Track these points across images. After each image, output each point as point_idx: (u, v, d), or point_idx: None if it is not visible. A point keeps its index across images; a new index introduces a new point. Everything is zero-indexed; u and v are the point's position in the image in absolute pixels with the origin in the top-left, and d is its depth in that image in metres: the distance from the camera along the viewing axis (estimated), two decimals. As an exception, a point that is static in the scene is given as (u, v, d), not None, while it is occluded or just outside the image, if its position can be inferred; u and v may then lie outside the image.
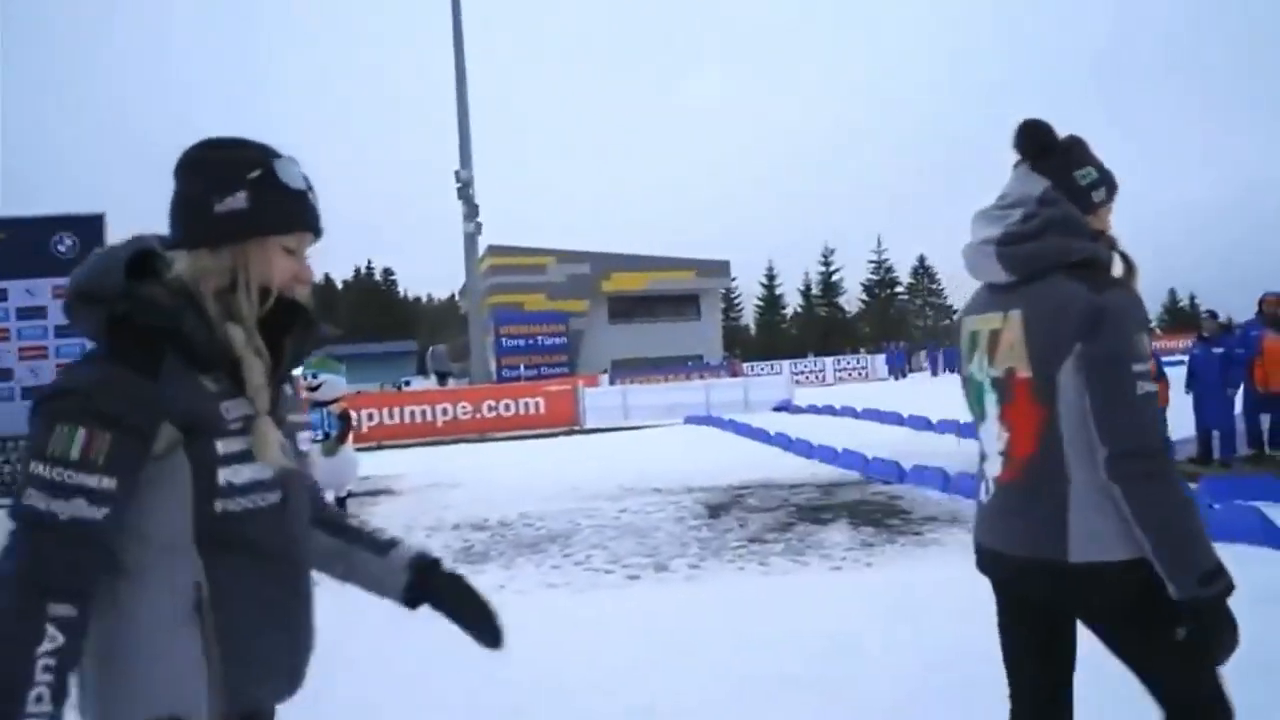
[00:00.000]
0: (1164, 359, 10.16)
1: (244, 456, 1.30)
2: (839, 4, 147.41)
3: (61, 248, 10.84)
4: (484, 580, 6.08)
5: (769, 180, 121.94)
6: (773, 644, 4.24)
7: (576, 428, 19.65)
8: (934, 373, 35.39)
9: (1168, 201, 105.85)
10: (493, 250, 39.53)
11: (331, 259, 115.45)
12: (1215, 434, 9.01)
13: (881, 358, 37.14)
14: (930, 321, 77.13)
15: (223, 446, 1.28)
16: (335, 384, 8.92)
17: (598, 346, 39.43)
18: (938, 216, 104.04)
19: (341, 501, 9.17)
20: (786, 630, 4.45)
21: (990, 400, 1.91)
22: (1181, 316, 77.40)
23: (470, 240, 30.97)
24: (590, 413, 21.74)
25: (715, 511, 8.40)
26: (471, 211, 30.70)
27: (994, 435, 1.90)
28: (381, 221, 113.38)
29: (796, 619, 4.67)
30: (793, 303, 76.19)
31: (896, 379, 27.99)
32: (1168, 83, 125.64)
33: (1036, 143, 1.91)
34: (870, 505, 8.37)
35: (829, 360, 35.66)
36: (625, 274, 40.51)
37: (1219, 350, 8.89)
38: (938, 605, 4.58)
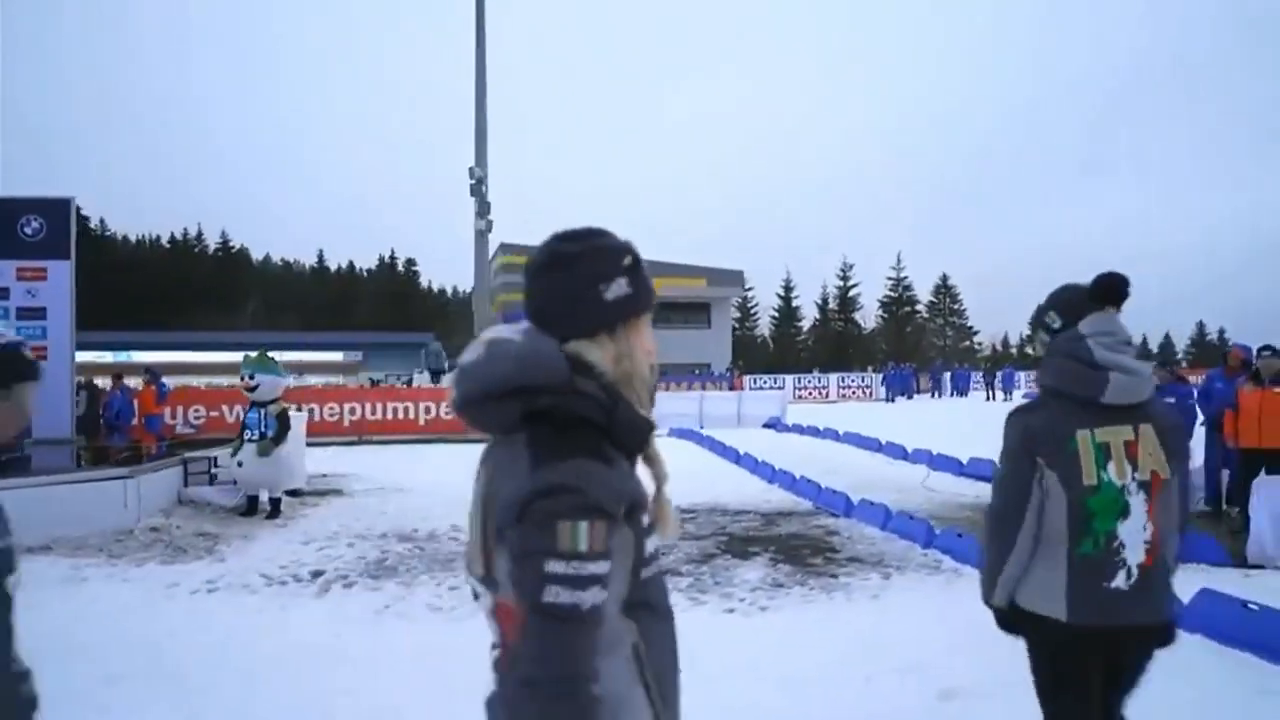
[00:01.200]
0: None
1: (652, 529, 1.44)
2: (878, 18, 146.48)
3: (28, 230, 10.94)
4: (374, 598, 6.04)
5: (792, 191, 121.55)
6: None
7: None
8: (933, 394, 34.96)
9: (1195, 231, 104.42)
10: (505, 248, 39.67)
11: (356, 246, 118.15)
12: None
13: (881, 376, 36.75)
14: (949, 342, 76.36)
15: (645, 519, 1.40)
16: (273, 383, 8.89)
17: (605, 350, 39.47)
18: (959, 236, 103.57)
19: (275, 503, 9.14)
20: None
21: (1137, 500, 2.30)
22: (1209, 350, 76.18)
23: (481, 238, 30.96)
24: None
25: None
26: (483, 209, 30.70)
27: (1139, 528, 2.30)
28: (407, 212, 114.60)
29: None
30: (809, 315, 75.84)
31: (891, 400, 27.50)
32: (1201, 107, 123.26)
33: (1125, 294, 2.42)
34: (802, 540, 8.19)
35: (833, 377, 35.31)
36: (636, 279, 40.64)
37: (1169, 400, 8.59)
38: (794, 660, 4.44)
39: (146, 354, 33.18)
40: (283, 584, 6.51)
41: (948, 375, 38.25)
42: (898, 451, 14.75)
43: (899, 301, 73.65)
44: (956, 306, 76.64)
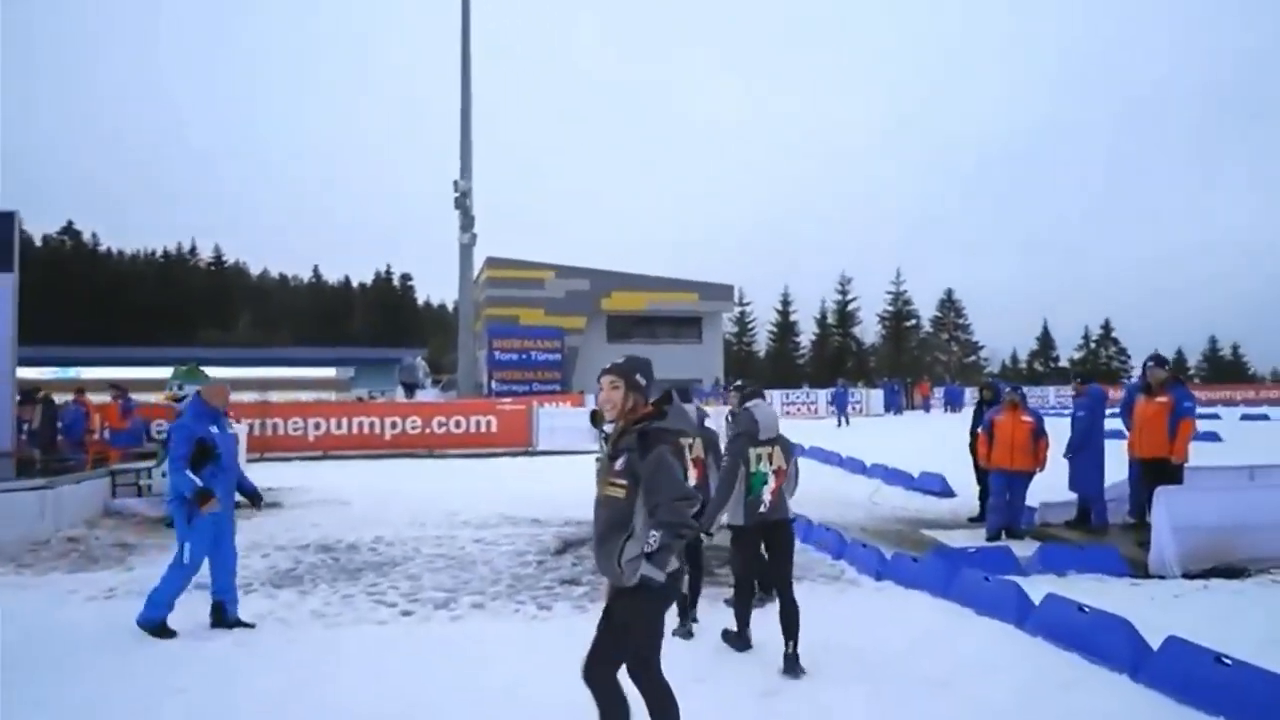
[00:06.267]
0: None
1: None
2: (881, 21, 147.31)
3: (-28, 244, 11.17)
4: (263, 605, 6.21)
5: (791, 205, 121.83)
6: (428, 697, 4.29)
7: (529, 449, 19.67)
8: (894, 410, 35.12)
9: (1207, 242, 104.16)
10: (491, 262, 39.97)
11: (352, 261, 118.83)
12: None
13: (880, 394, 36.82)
14: (956, 357, 76.18)
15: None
16: (198, 396, 9.07)
17: (594, 365, 39.36)
18: (962, 250, 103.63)
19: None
20: (457, 682, 4.49)
21: (771, 476, 5.13)
22: (1222, 366, 75.84)
23: (465, 251, 31.31)
24: (554, 434, 21.73)
25: (565, 548, 8.43)
26: (468, 222, 31.10)
27: (769, 487, 5.10)
28: (404, 227, 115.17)
29: (476, 670, 4.73)
30: (807, 330, 75.87)
31: (843, 422, 27.40)
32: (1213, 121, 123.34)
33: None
34: (716, 552, 8.32)
35: (822, 393, 35.37)
36: (626, 293, 40.63)
37: (1081, 413, 8.77)
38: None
39: (132, 370, 33.46)
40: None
41: (943, 390, 38.47)
42: (856, 466, 14.88)
43: (899, 316, 73.64)
44: (961, 321, 76.64)
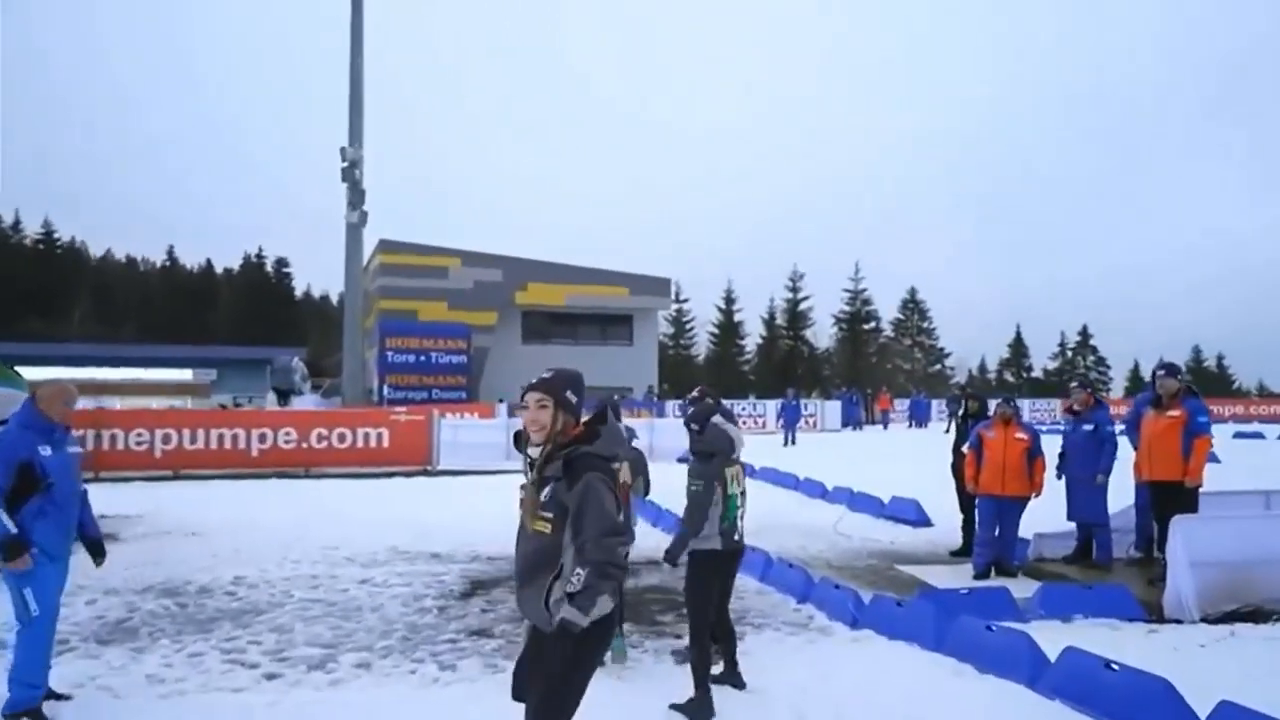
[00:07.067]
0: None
1: None
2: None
3: None
4: (86, 668, 5.66)
5: (733, 194, 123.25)
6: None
7: (429, 468, 19.14)
8: (856, 425, 35.70)
9: (1190, 246, 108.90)
10: (385, 246, 38.97)
11: (216, 243, 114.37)
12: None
13: (838, 405, 37.15)
14: (920, 365, 77.81)
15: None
16: (7, 398, 8.38)
17: (505, 369, 38.81)
18: (927, 246, 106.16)
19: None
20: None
21: (744, 499, 5.49)
22: (1206, 378, 79.07)
23: (353, 232, 30.33)
24: (458, 450, 21.24)
25: (473, 590, 8.14)
26: (357, 198, 30.09)
27: (742, 510, 5.39)
28: (278, 203, 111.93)
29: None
30: (754, 331, 76.47)
31: (790, 441, 27.37)
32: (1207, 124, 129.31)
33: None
34: (659, 593, 8.06)
35: (771, 404, 35.45)
36: (544, 285, 40.06)
37: (1088, 427, 8.73)
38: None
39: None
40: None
41: (910, 403, 39.17)
42: (817, 489, 14.76)
43: (856, 318, 74.80)
44: (926, 325, 78.31)
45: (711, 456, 5.19)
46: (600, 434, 3.27)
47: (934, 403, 41.64)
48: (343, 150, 29.64)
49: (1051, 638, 5.67)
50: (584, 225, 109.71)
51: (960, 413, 10.59)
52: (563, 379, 3.32)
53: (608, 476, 3.20)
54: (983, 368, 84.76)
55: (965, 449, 9.36)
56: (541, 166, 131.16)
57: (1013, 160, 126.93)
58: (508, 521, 13.07)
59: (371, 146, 30.72)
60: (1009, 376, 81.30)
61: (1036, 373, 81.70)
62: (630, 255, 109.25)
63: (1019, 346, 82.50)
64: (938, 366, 78.66)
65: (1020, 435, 8.75)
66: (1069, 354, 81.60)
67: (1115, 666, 4.57)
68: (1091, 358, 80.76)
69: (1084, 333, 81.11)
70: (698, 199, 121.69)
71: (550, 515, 3.14)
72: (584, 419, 3.32)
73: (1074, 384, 9.26)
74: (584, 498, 3.10)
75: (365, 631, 6.67)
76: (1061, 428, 9.35)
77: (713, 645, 5.27)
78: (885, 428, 37.26)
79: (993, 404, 9.51)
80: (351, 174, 29.83)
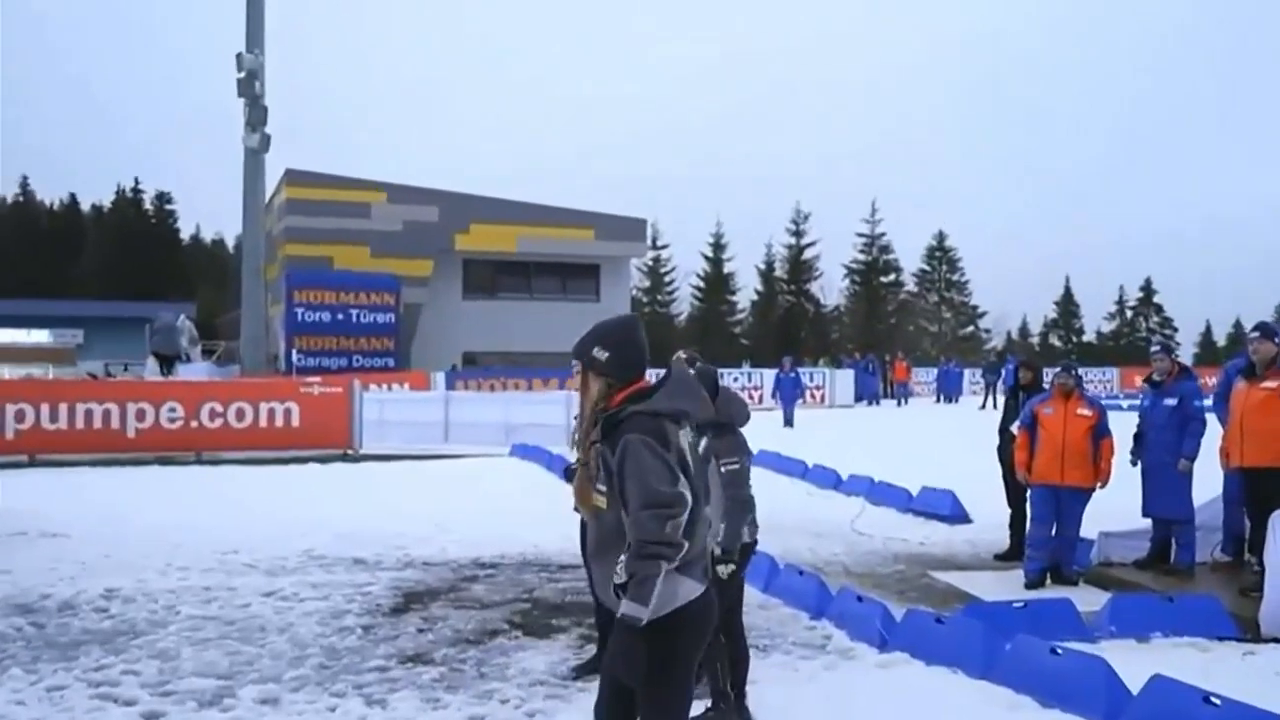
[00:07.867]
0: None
1: None
2: None
3: None
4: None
5: (727, 115, 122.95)
6: None
7: (349, 453, 19.13)
8: (872, 399, 36.00)
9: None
10: (293, 177, 38.48)
11: (82, 175, 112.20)
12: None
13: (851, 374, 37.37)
14: (949, 327, 78.40)
15: None
16: None
17: (444, 331, 38.75)
18: (957, 181, 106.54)
19: None
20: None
21: None
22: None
23: (253, 159, 30.01)
24: (385, 429, 21.31)
25: (406, 605, 8.14)
26: (258, 116, 29.66)
27: None
28: (160, 125, 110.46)
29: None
30: (748, 285, 76.65)
31: (789, 423, 27.29)
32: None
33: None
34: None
35: (768, 374, 35.46)
36: (491, 227, 39.69)
37: (1170, 402, 8.69)
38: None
39: None
40: None
41: (937, 372, 39.51)
42: (827, 478, 14.80)
43: (873, 268, 75.19)
44: (956, 278, 78.87)
45: (731, 428, 5.28)
46: (661, 389, 3.36)
47: (966, 372, 42.00)
48: (239, 57, 29.20)
49: (1128, 661, 5.65)
50: (540, 153, 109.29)
51: (1010, 384, 10.57)
52: (591, 334, 3.43)
53: (653, 436, 3.21)
54: (1024, 330, 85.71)
55: (1015, 429, 9.33)
56: (489, 77, 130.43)
57: (1065, 65, 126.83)
58: (445, 518, 13.07)
59: (275, 52, 30.21)
60: (1055, 340, 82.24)
61: (1089, 336, 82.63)
62: (597, 191, 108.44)
63: (1068, 304, 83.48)
64: (970, 328, 79.45)
65: (1084, 411, 8.71)
66: (1128, 314, 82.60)
67: (1216, 700, 4.51)
68: (1156, 319, 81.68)
69: (1146, 288, 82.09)
70: (680, 118, 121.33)
71: (605, 488, 3.28)
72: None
73: (1155, 349, 9.26)
74: (622, 464, 3.20)
75: (271, 658, 6.59)
76: (1132, 403, 9.30)
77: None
78: (904, 402, 37.58)
79: (1049, 373, 9.48)
80: (250, 86, 29.38)
